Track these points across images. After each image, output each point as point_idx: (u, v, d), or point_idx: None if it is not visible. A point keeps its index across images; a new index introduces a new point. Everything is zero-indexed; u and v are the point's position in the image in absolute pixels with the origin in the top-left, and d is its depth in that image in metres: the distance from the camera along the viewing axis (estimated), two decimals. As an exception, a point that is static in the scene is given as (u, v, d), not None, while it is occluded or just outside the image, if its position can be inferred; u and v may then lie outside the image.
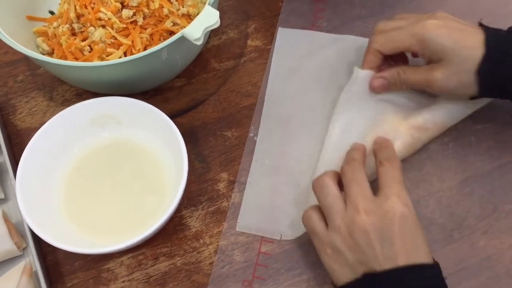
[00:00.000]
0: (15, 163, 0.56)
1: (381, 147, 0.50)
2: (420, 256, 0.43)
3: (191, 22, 0.58)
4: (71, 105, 0.60)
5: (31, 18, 0.61)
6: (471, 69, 0.48)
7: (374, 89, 0.54)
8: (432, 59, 0.51)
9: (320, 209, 0.47)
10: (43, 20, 0.61)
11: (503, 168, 0.55)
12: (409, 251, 0.42)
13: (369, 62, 0.54)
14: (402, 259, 0.42)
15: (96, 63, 0.50)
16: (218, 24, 0.51)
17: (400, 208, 0.43)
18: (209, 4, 0.52)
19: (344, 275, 0.44)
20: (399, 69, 0.53)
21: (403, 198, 0.44)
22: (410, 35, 0.51)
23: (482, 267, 0.50)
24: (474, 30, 0.49)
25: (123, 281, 0.51)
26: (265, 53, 0.64)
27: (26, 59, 0.65)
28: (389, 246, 0.42)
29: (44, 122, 0.59)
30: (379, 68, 0.55)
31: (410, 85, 0.53)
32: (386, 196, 0.44)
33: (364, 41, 0.56)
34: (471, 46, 0.48)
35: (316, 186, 0.47)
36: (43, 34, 0.60)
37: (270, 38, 0.65)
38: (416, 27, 0.50)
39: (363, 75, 0.55)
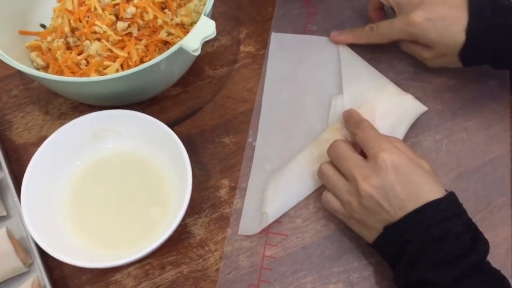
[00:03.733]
0: (14, 179, 0.56)
1: (346, 119, 0.54)
2: (426, 194, 0.45)
3: (185, 31, 0.59)
4: (68, 118, 0.61)
5: (23, 33, 0.60)
6: (455, 52, 0.54)
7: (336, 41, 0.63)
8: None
9: None
10: (36, 34, 0.61)
11: (495, 162, 0.57)
12: (414, 194, 0.45)
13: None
14: (411, 204, 0.45)
15: (96, 78, 0.50)
16: (215, 34, 0.51)
17: (389, 159, 0.46)
18: (204, 14, 0.53)
19: (371, 234, 0.48)
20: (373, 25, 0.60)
21: (387, 150, 0.47)
22: (401, 31, 0.56)
23: (479, 260, 0.52)
24: (457, 14, 0.53)
25: (132, 292, 0.52)
26: (258, 58, 0.65)
27: (19, 73, 0.64)
28: (394, 199, 0.46)
29: (42, 137, 0.60)
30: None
31: (387, 36, 0.59)
32: (372, 157, 0.48)
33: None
34: (454, 33, 0.53)
35: (318, 174, 0.53)
36: (36, 48, 0.60)
37: (263, 44, 0.66)
38: (405, 24, 0.55)
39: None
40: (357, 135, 0.51)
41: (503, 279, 0.45)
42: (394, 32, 0.57)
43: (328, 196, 0.51)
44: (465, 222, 0.46)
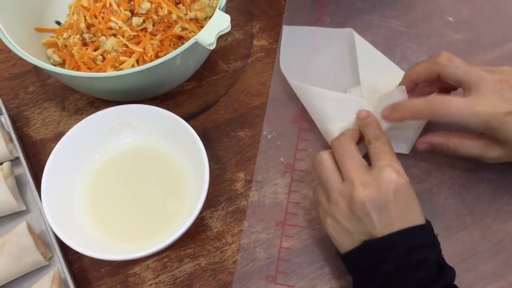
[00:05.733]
0: (33, 174, 0.57)
1: (365, 124, 0.51)
2: (413, 218, 0.45)
3: (199, 26, 0.59)
4: (84, 113, 0.62)
5: (39, 30, 0.61)
6: None
7: (418, 149, 0.54)
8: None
9: None
10: (52, 31, 0.62)
11: None
12: (404, 216, 0.45)
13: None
14: (398, 224, 0.44)
15: (112, 73, 0.50)
16: (229, 28, 0.52)
17: (394, 177, 0.45)
18: (219, 9, 0.53)
19: (345, 244, 0.47)
20: (451, 142, 0.52)
21: (395, 167, 0.46)
22: (477, 121, 0.48)
23: (496, 250, 0.52)
24: None
25: (150, 284, 0.52)
26: (271, 52, 0.65)
27: (35, 69, 0.65)
28: (385, 214, 0.44)
29: (59, 132, 0.61)
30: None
31: (460, 155, 0.52)
32: (379, 168, 0.46)
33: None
34: None
35: (314, 162, 0.50)
36: (53, 45, 0.61)
37: (276, 37, 0.66)
38: (482, 112, 0.47)
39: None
40: (372, 144, 0.49)
41: None
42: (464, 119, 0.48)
43: (319, 187, 0.50)
44: (437, 252, 0.46)
